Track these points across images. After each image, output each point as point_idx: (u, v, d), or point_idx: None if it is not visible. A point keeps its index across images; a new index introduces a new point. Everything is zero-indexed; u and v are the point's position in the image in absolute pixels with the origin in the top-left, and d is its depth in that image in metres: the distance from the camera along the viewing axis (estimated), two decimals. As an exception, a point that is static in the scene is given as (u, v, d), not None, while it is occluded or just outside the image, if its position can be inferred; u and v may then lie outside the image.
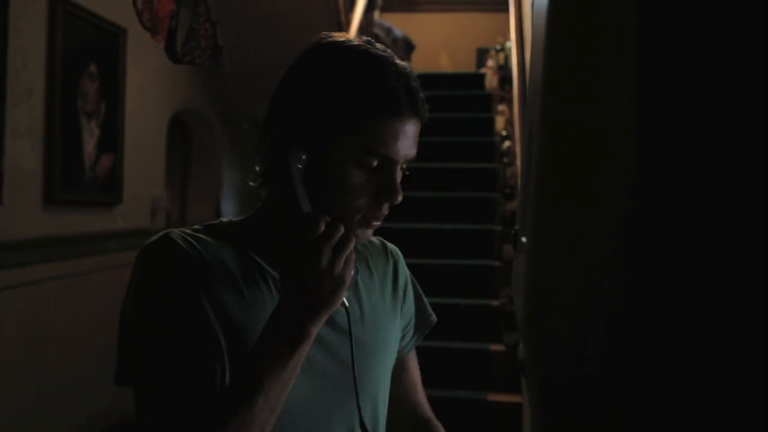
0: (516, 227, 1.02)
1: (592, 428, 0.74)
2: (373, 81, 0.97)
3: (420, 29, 8.45)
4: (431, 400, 4.09)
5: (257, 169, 1.07)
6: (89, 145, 4.04)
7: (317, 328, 0.92)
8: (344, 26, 6.07)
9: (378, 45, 1.03)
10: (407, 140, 0.99)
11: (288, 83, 1.03)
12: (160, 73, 4.78)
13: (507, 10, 6.14)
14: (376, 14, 7.70)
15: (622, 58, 0.72)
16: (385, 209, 1.01)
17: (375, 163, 0.97)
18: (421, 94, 1.01)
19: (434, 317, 1.32)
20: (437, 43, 8.63)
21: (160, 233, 0.99)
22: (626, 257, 0.72)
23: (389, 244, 1.29)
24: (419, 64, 7.79)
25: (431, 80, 6.97)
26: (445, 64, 8.66)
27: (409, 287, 1.30)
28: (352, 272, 0.96)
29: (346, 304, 1.02)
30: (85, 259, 3.94)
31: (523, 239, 0.89)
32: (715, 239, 0.72)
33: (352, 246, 0.93)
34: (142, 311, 0.95)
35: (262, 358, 0.90)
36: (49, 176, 3.67)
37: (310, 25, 5.92)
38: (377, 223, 1.02)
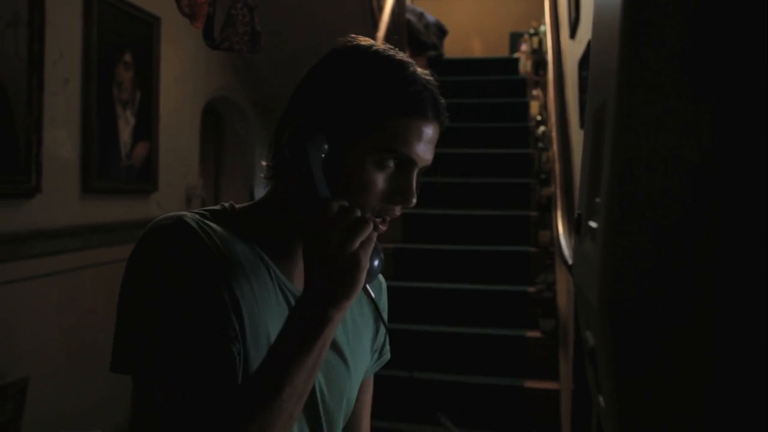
0: (579, 211, 0.99)
1: (671, 416, 0.71)
2: (400, 82, 0.98)
3: (452, 14, 8.39)
4: (468, 387, 4.08)
5: (265, 163, 1.07)
6: (125, 133, 4.06)
7: (340, 313, 0.91)
8: (376, 12, 6.04)
9: (400, 53, 1.04)
10: (428, 144, 1.01)
11: (314, 78, 1.04)
12: (193, 61, 4.79)
13: (540, -6, 6.08)
14: (408, -1, 7.65)
15: (705, 33, 0.69)
16: (398, 210, 1.03)
17: (394, 163, 0.99)
18: (443, 101, 1.02)
19: (389, 355, 1.30)
20: (470, 28, 8.56)
21: (172, 215, 0.97)
22: (709, 236, 0.69)
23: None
24: (452, 48, 7.75)
25: (464, 65, 6.94)
26: (477, 48, 8.59)
27: (385, 317, 1.28)
28: (376, 262, 0.97)
29: (372, 294, 1.03)
30: (123, 247, 3.96)
31: (592, 223, 0.87)
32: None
33: (368, 230, 0.92)
34: (156, 296, 0.91)
35: (287, 345, 0.89)
36: (86, 165, 3.70)
37: (343, 11, 5.90)
38: (385, 225, 1.03)
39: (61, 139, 3.52)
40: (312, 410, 1.06)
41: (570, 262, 2.87)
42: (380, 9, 5.96)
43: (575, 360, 3.02)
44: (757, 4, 0.69)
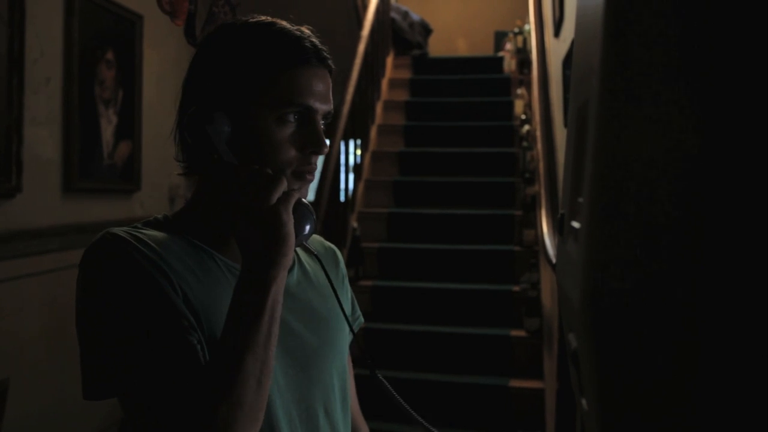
0: (562, 211, 0.99)
1: (654, 417, 0.71)
2: (274, 37, 1.00)
3: (437, 13, 8.39)
4: (453, 386, 4.08)
5: (179, 161, 1.09)
6: (107, 132, 4.03)
7: (279, 271, 0.92)
8: (360, 10, 6.03)
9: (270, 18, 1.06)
10: (320, 90, 1.02)
11: (195, 65, 1.06)
12: (176, 59, 4.76)
13: (525, -7, 6.08)
14: (393, -2, 7.64)
15: (686, 33, 0.68)
16: (314, 161, 1.03)
17: (295, 116, 1.00)
18: (324, 47, 1.04)
19: (362, 318, 1.32)
20: (454, 27, 8.57)
21: (101, 233, 0.97)
22: (691, 235, 0.69)
23: (325, 241, 1.32)
24: (436, 47, 7.75)
25: (449, 64, 6.93)
26: (462, 47, 8.60)
27: (347, 282, 1.31)
28: (308, 225, 1.00)
29: (313, 250, 1.06)
30: (105, 247, 3.92)
31: (574, 224, 0.86)
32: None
33: (280, 185, 0.94)
34: (102, 314, 0.92)
35: (238, 316, 0.90)
36: (67, 164, 3.66)
37: (327, 8, 5.88)
38: (311, 177, 1.04)
39: (42, 138, 3.49)
40: (299, 375, 1.07)
41: (554, 261, 2.87)
42: (365, 7, 5.95)
43: (560, 359, 3.02)
44: (739, 5, 0.68)
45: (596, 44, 0.74)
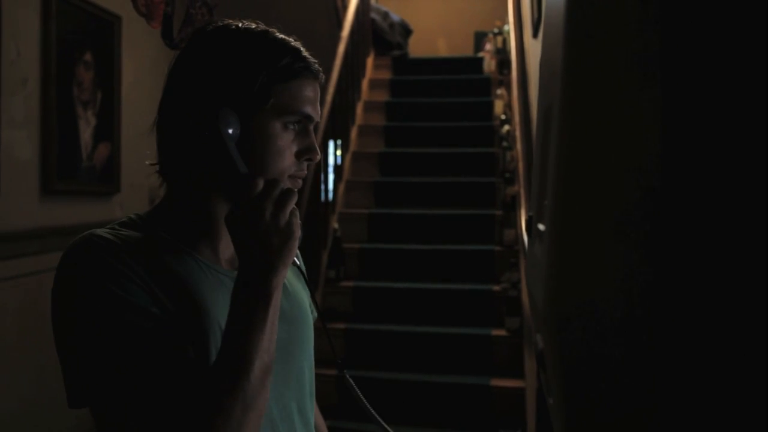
0: (530, 213, 1.00)
1: (616, 414, 0.72)
2: (281, 47, 1.04)
3: (417, 13, 8.41)
4: (434, 386, 4.07)
5: (151, 165, 1.08)
6: (86, 134, 4.00)
7: (281, 280, 0.95)
8: (340, 10, 6.03)
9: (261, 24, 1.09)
10: (316, 100, 1.07)
11: (190, 65, 1.05)
12: (155, 60, 4.74)
13: (504, -7, 6.11)
14: (373, -2, 7.64)
15: (645, 39, 0.69)
16: (306, 168, 1.08)
17: (295, 124, 1.04)
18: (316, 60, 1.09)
19: (315, 312, 1.32)
20: (434, 27, 8.59)
21: (80, 236, 0.98)
22: (650, 238, 0.70)
23: None
24: (417, 48, 7.76)
25: (429, 65, 6.94)
26: (442, 48, 8.62)
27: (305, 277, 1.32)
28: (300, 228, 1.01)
29: (298, 262, 1.10)
30: (84, 250, 3.90)
31: (540, 226, 0.87)
32: (741, 234, 0.69)
33: (294, 199, 0.97)
34: (89, 322, 0.91)
35: (242, 322, 0.91)
36: (45, 166, 3.64)
37: (306, 9, 5.88)
38: (300, 183, 1.08)
39: (19, 140, 3.46)
40: (283, 379, 1.09)
41: (533, 260, 2.88)
42: (345, 8, 5.95)
43: (539, 358, 3.03)
44: (695, 12, 0.70)
45: (558, 49, 0.75)
